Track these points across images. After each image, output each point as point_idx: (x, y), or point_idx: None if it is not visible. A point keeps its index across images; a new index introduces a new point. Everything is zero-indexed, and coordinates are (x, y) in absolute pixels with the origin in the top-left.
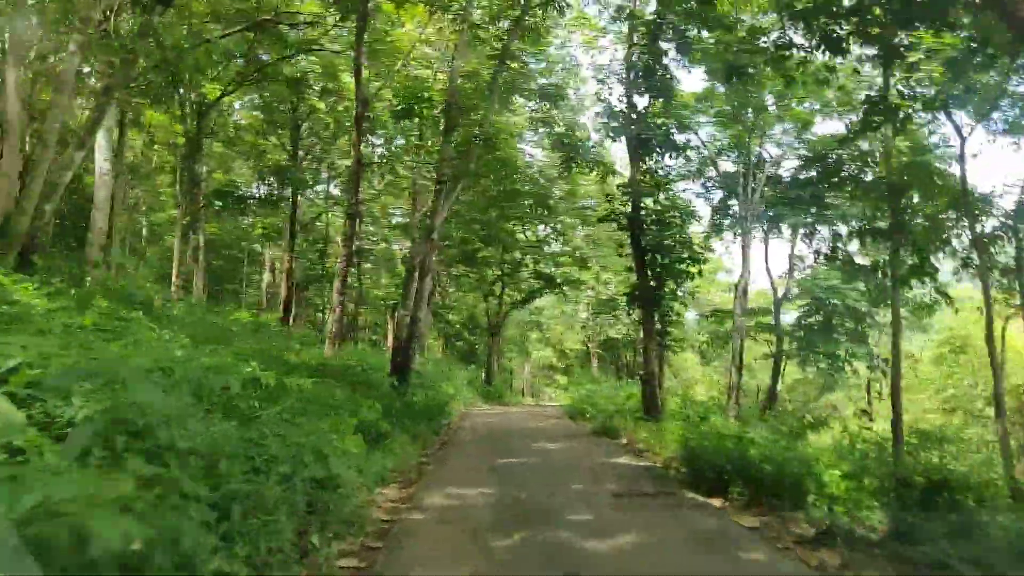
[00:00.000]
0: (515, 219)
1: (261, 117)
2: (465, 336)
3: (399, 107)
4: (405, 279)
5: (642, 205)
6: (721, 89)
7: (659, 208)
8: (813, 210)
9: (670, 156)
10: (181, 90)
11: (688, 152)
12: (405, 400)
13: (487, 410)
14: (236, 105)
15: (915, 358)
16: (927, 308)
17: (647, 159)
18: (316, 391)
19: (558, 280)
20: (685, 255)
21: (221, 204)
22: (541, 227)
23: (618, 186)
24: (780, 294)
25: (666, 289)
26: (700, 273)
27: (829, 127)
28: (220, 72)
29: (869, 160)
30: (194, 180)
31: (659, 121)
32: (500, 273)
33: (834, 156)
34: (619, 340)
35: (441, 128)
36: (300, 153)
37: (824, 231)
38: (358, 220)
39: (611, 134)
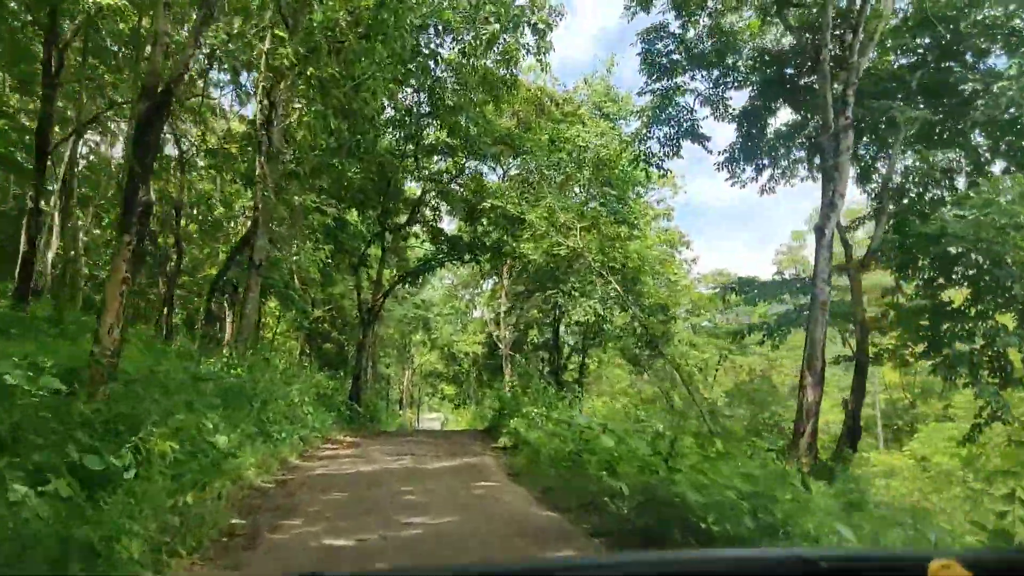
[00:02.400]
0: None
1: None
2: (334, 335)
3: None
4: None
5: None
6: None
7: None
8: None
9: None
10: None
11: None
12: None
13: (339, 465)
14: None
15: None
16: None
17: None
18: None
19: (470, 241)
20: None
21: None
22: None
23: None
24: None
25: None
26: None
27: None
28: None
29: None
30: None
31: None
32: (380, 229)
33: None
34: (566, 335)
35: None
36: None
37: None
38: None
39: None
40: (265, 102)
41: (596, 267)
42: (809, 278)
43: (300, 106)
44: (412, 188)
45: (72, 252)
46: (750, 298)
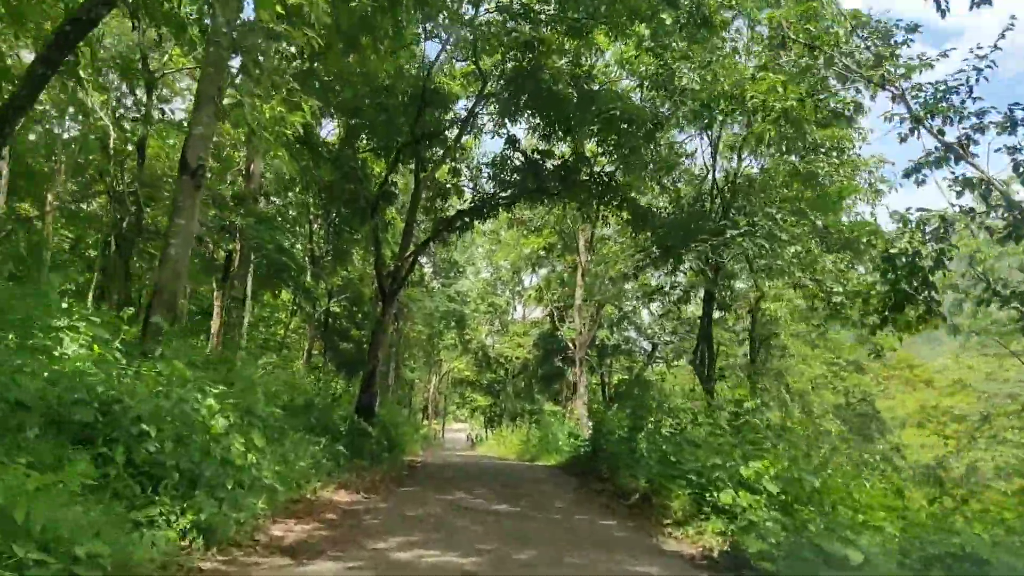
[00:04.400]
0: None
1: None
2: (353, 332)
3: None
4: None
5: None
6: None
7: None
8: None
9: None
10: None
11: None
12: None
13: None
14: None
15: None
16: None
17: None
18: None
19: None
20: None
21: None
22: None
23: None
24: None
25: None
26: None
27: None
28: None
29: None
30: None
31: None
32: (410, 139)
33: None
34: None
35: None
36: None
37: None
38: None
39: None
40: None
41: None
42: None
43: None
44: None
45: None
46: None
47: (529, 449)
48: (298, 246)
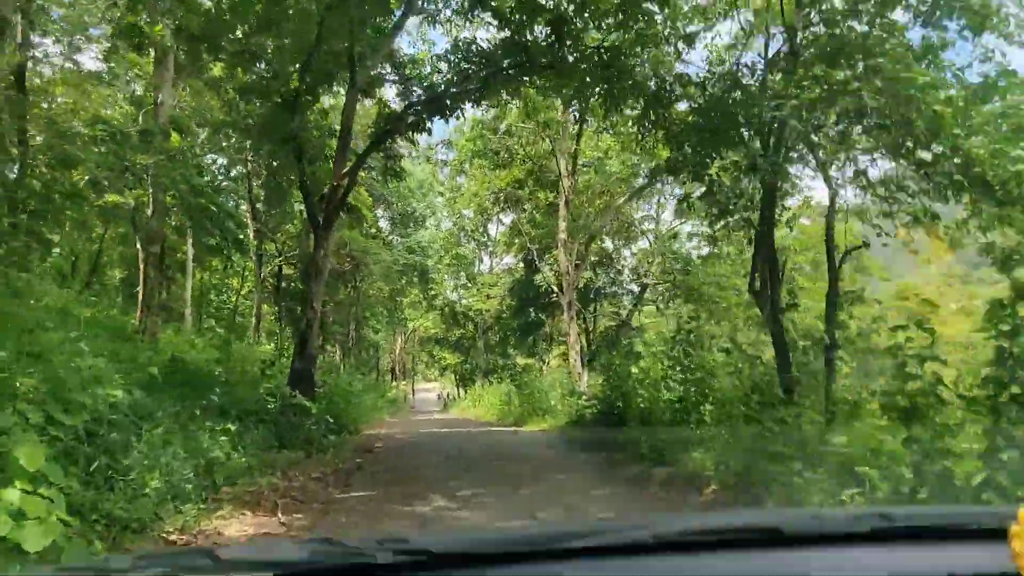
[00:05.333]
0: None
1: None
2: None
3: None
4: None
5: None
6: None
7: None
8: None
9: None
10: None
11: None
12: None
13: None
14: None
15: None
16: None
17: None
18: None
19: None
20: None
21: None
22: None
23: None
24: None
25: None
26: None
27: None
28: None
29: None
30: None
31: None
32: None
33: None
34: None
35: None
36: None
37: None
38: None
39: None
40: None
41: None
42: None
43: None
44: None
45: None
46: None
47: (512, 411)
48: (243, 206)
